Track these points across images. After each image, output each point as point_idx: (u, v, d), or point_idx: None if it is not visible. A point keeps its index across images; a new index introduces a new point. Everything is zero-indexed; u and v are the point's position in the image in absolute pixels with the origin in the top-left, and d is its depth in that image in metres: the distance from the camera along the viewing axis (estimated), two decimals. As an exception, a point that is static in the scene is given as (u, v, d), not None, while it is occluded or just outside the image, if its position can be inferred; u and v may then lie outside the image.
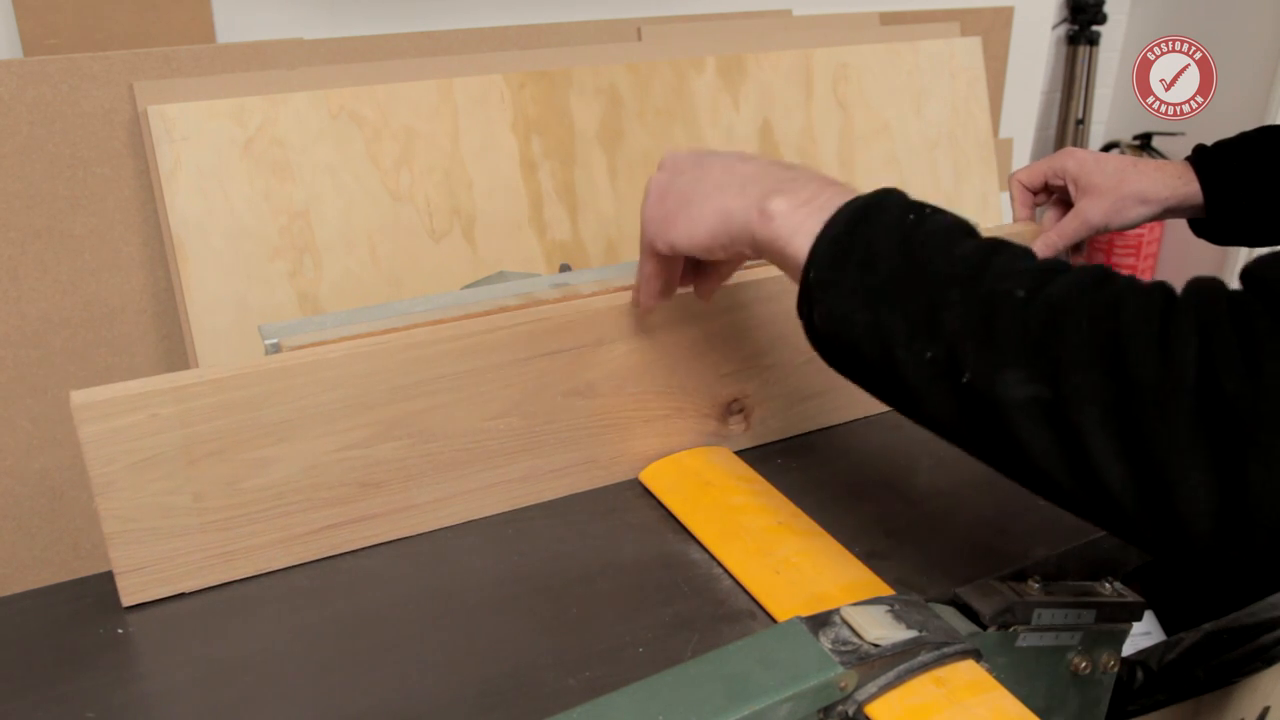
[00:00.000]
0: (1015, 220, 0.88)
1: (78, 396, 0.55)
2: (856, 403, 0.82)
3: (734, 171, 0.56)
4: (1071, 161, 0.85)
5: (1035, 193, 0.88)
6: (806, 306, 0.51)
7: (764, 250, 0.54)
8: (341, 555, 0.65)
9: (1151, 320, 0.41)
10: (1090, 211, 0.82)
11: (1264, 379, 0.38)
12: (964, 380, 0.45)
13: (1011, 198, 0.89)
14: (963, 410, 0.46)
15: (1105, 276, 0.45)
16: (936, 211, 0.50)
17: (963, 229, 0.49)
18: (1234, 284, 0.43)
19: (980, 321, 0.45)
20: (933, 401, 0.47)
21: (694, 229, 0.56)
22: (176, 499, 0.59)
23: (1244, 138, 0.81)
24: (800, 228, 0.51)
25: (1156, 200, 0.82)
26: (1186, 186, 0.81)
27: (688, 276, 0.65)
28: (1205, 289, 0.42)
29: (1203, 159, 0.82)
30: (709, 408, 0.75)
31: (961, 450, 0.50)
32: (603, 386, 0.70)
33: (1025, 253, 0.48)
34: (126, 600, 0.60)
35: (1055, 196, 0.88)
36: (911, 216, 0.49)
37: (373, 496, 0.65)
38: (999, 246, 0.48)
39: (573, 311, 0.67)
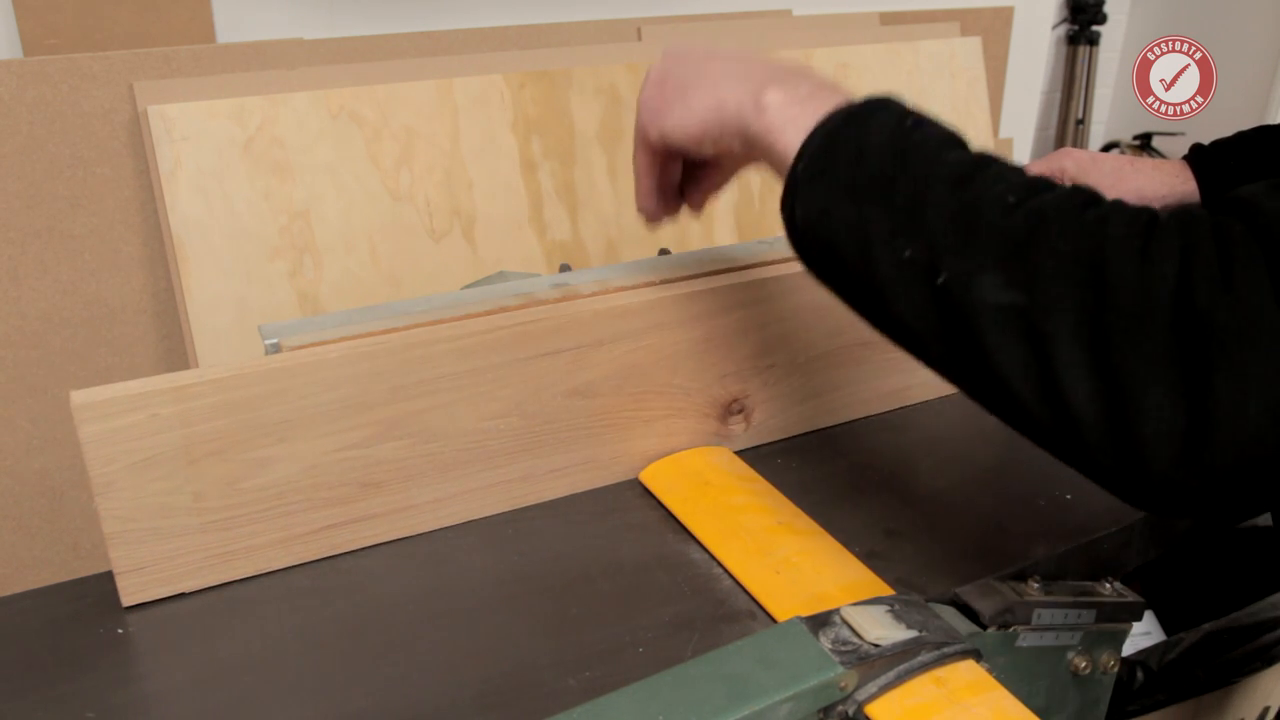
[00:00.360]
0: None
1: (78, 396, 0.55)
2: (856, 402, 0.82)
3: (735, 63, 0.55)
4: (1069, 161, 0.85)
5: None
6: (790, 200, 0.50)
7: (755, 143, 0.52)
8: (341, 555, 0.65)
9: (1134, 236, 0.41)
10: None
11: (1235, 292, 0.38)
12: (939, 282, 0.44)
13: None
14: (935, 314, 0.45)
15: (1094, 197, 0.44)
16: (935, 123, 0.50)
17: (957, 139, 0.49)
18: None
19: (964, 221, 0.44)
20: (906, 304, 0.46)
21: (687, 117, 0.55)
22: (176, 499, 0.59)
23: (1241, 137, 0.81)
24: (794, 121, 0.50)
25: (1154, 198, 0.82)
26: (1184, 185, 0.81)
27: (675, 202, 0.64)
28: (1190, 213, 0.42)
29: (1199, 158, 0.82)
30: (709, 408, 0.75)
31: (924, 363, 0.48)
32: (602, 386, 0.70)
33: (1018, 168, 0.47)
34: (126, 600, 0.60)
35: None
36: (909, 121, 0.49)
37: (373, 496, 0.65)
38: (993, 158, 0.47)
39: (573, 311, 0.67)
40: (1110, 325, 0.40)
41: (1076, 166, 0.84)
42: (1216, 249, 0.39)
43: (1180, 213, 0.42)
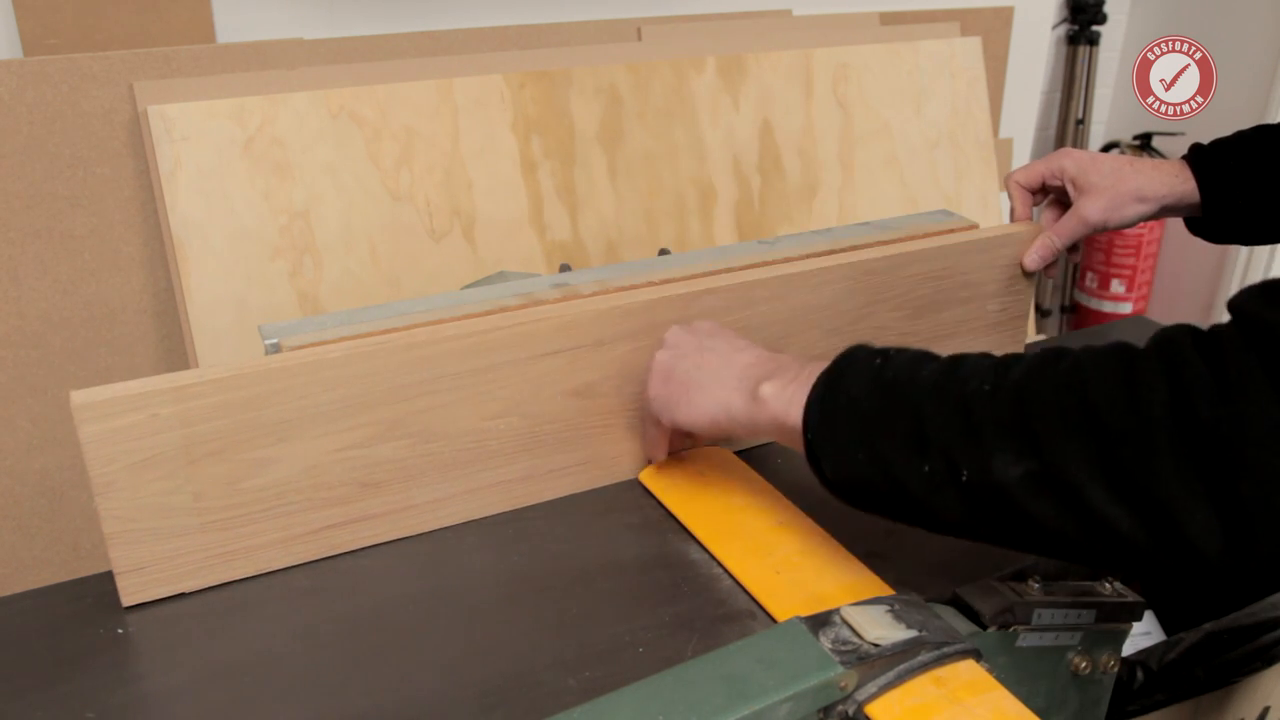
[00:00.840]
0: (1014, 220, 0.88)
1: (78, 397, 0.55)
2: None
3: (730, 364, 0.62)
4: (1069, 161, 0.85)
5: (1033, 193, 0.89)
6: (815, 464, 0.56)
7: (764, 430, 0.59)
8: (341, 555, 0.65)
9: (1114, 371, 0.44)
10: (1088, 210, 0.82)
11: (1239, 401, 0.40)
12: (963, 480, 0.49)
13: (1010, 198, 0.89)
14: (972, 507, 0.49)
15: (1060, 351, 0.48)
16: (900, 350, 0.55)
17: (925, 356, 0.54)
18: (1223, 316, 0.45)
19: (959, 423, 0.49)
20: (944, 509, 0.50)
21: (696, 414, 0.63)
22: (176, 499, 0.59)
23: (1240, 136, 0.81)
24: (791, 401, 0.57)
25: (1154, 198, 0.82)
26: (1184, 185, 0.81)
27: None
28: (1167, 334, 0.45)
29: (1199, 157, 0.82)
30: None
31: (990, 544, 0.52)
32: (603, 387, 0.70)
33: (983, 355, 0.52)
34: (126, 600, 0.60)
35: (1052, 196, 0.88)
36: (878, 360, 0.55)
37: (373, 496, 0.65)
38: (960, 359, 0.52)
39: (573, 311, 0.67)
40: (1122, 458, 0.43)
41: (1076, 166, 0.84)
42: (1206, 362, 0.42)
43: (1157, 337, 0.45)
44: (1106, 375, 0.45)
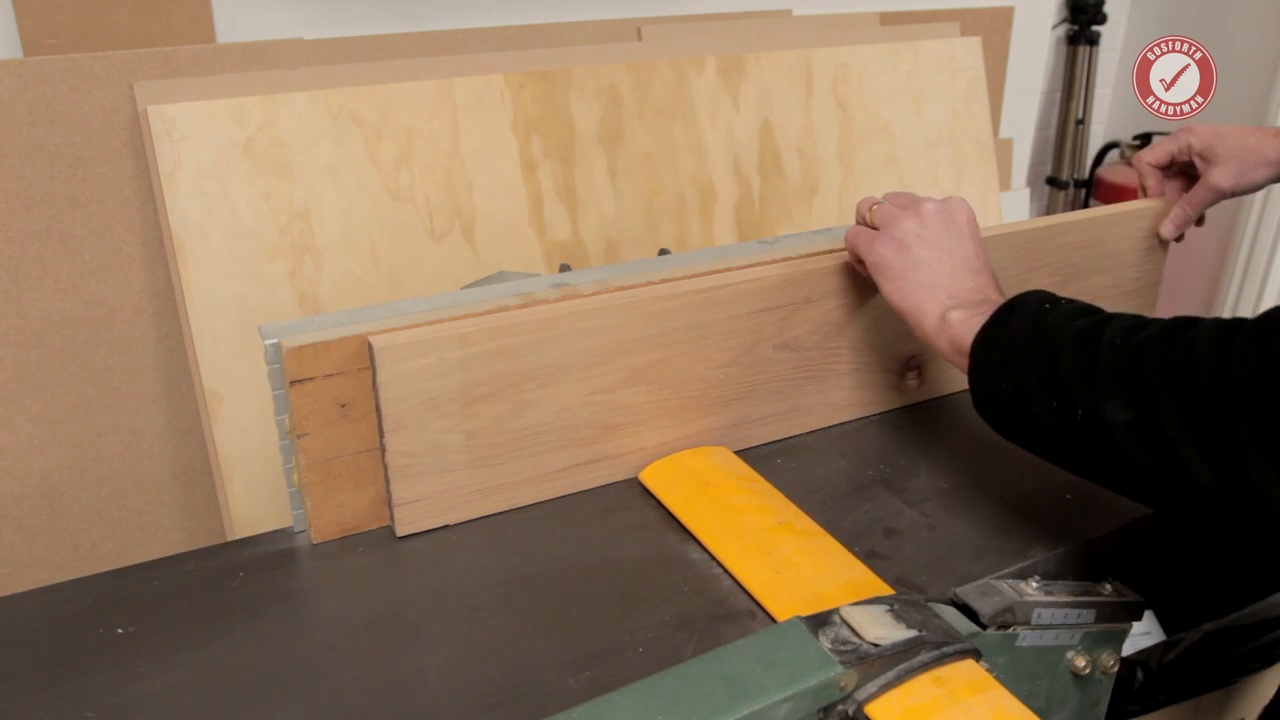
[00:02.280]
0: (1148, 197, 0.93)
1: (378, 341, 0.60)
2: None
3: (945, 277, 0.67)
4: (1193, 137, 0.89)
5: (1163, 169, 0.93)
6: (973, 385, 0.62)
7: (942, 349, 0.65)
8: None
9: (1219, 340, 0.49)
10: (1218, 178, 0.86)
11: None
12: (1078, 416, 0.55)
13: (1141, 176, 0.94)
14: (1082, 442, 0.55)
15: (1190, 321, 0.53)
16: (1070, 301, 0.61)
17: (1088, 309, 0.60)
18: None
19: (1086, 367, 0.55)
20: (1061, 439, 0.57)
21: (896, 298, 0.68)
22: (452, 438, 0.64)
23: None
24: (969, 330, 0.63)
25: (1276, 159, 0.86)
26: None
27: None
28: (1274, 311, 0.49)
29: None
30: (892, 363, 0.82)
31: (1086, 478, 0.58)
32: (806, 341, 0.77)
33: (1136, 316, 0.57)
34: (401, 530, 0.65)
35: (1175, 169, 0.93)
36: (1047, 305, 0.61)
37: (612, 439, 0.71)
38: (1114, 317, 0.57)
39: (788, 272, 0.74)
40: (1208, 417, 0.48)
41: (1201, 141, 0.88)
42: None
43: (1267, 313, 0.49)
44: (1214, 342, 0.49)
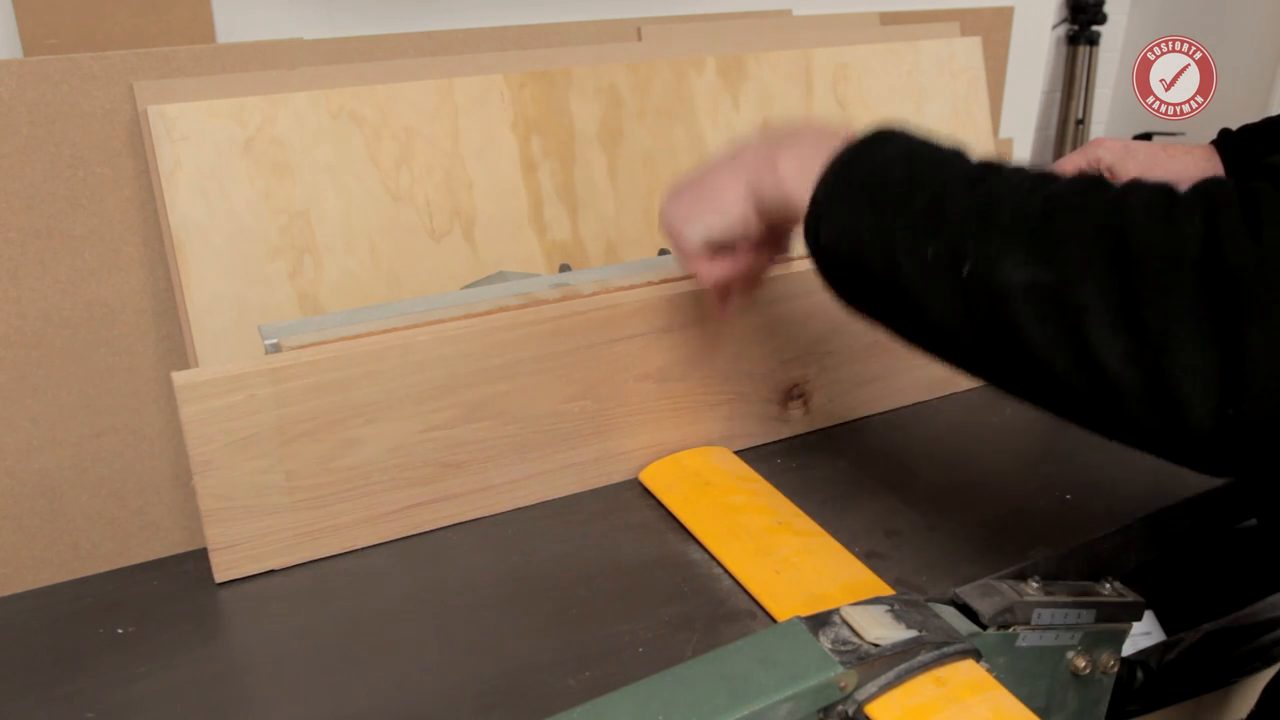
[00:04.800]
0: None
1: (180, 378, 0.57)
2: (912, 387, 0.85)
3: (734, 155, 0.58)
4: (1104, 150, 0.87)
5: None
6: (813, 225, 0.52)
7: (775, 204, 0.55)
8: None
9: (1155, 206, 0.42)
10: None
11: (1265, 246, 0.39)
12: (965, 272, 0.45)
13: None
14: (964, 306, 0.46)
15: (1106, 181, 0.45)
16: (941, 140, 0.52)
17: (965, 151, 0.50)
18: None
19: (983, 211, 0.45)
20: (933, 301, 0.47)
21: (722, 207, 0.58)
22: (270, 478, 0.61)
23: (1269, 122, 0.83)
24: (815, 166, 0.52)
25: (1188, 182, 0.83)
26: (1215, 169, 0.83)
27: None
28: (1213, 180, 0.43)
29: (1227, 142, 0.83)
30: (770, 392, 0.77)
31: (956, 364, 0.50)
32: (672, 371, 0.72)
33: (1029, 166, 0.49)
34: (220, 577, 0.62)
35: None
36: (916, 140, 0.51)
37: (454, 477, 0.67)
38: (1004, 163, 0.49)
39: (644, 298, 0.69)
40: (1139, 289, 0.41)
41: (1112, 155, 0.86)
42: (1242, 210, 0.40)
43: (1202, 182, 0.43)
44: (1149, 207, 0.42)
